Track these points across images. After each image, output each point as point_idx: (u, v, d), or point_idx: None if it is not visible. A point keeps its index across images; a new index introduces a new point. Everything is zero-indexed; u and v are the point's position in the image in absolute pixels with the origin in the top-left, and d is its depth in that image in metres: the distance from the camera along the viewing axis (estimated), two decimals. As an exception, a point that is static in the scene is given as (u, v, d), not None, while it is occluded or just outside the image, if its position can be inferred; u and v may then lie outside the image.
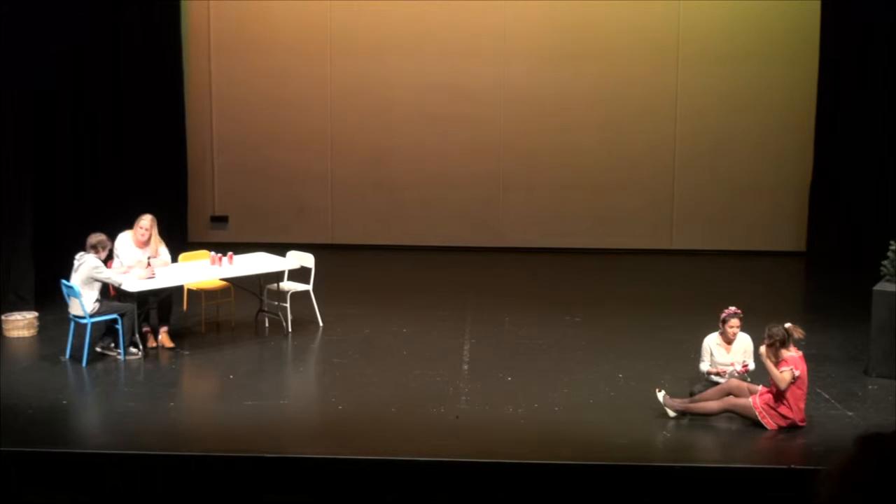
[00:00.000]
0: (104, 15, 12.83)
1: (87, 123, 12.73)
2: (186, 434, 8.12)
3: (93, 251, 9.58)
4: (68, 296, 9.70)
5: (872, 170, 13.54)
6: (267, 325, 10.88)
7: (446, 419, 8.29)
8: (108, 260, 9.96)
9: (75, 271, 9.60)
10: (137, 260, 10.00)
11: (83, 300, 9.51)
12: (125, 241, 10.13)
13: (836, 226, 13.84)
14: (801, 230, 14.44)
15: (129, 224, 10.25)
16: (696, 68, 14.52)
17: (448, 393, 8.89)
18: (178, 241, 12.70)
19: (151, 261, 10.05)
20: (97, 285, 9.63)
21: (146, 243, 10.16)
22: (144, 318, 10.08)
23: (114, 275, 9.77)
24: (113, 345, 9.76)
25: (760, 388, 8.20)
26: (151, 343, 10.08)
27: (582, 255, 14.54)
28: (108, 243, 9.73)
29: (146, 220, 10.15)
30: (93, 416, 8.82)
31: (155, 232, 10.23)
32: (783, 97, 14.51)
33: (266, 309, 10.89)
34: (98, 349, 9.74)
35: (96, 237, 9.65)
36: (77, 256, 9.64)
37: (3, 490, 7.07)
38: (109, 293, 9.94)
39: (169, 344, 10.08)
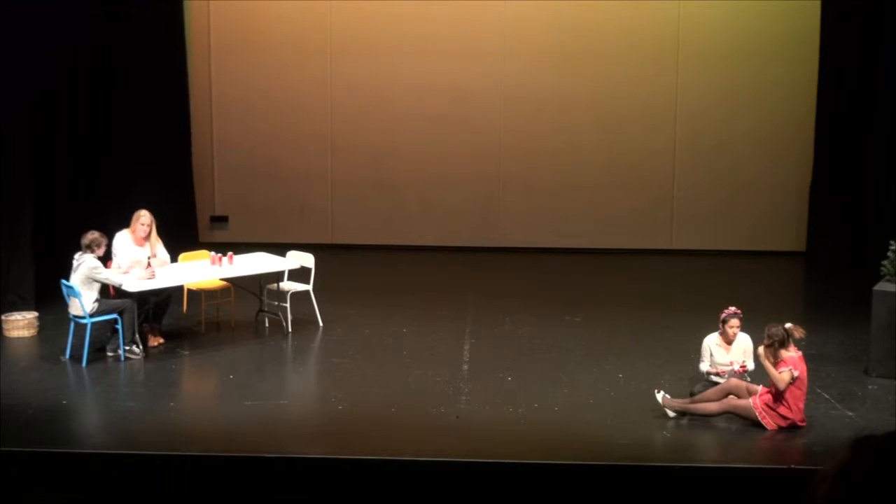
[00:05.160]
0: (106, 15, 12.82)
1: (88, 123, 12.72)
2: (186, 434, 8.12)
3: (88, 251, 9.57)
4: (68, 296, 9.71)
5: (872, 170, 13.53)
6: (267, 325, 10.88)
7: (446, 419, 8.29)
8: (107, 260, 9.97)
9: (74, 271, 9.60)
10: (137, 260, 9.98)
11: (83, 300, 9.51)
12: (124, 241, 10.11)
13: (836, 226, 13.82)
14: (801, 230, 14.43)
15: (128, 225, 10.23)
16: (696, 68, 14.52)
17: (448, 393, 8.89)
18: (184, 241, 12.68)
19: (151, 261, 10.05)
20: (96, 285, 9.63)
21: (146, 239, 10.15)
22: (144, 318, 10.09)
23: (113, 275, 9.77)
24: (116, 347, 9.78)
25: (760, 388, 8.21)
26: (152, 342, 10.10)
27: (582, 255, 14.53)
28: (103, 240, 9.68)
29: (146, 216, 10.13)
30: (93, 416, 8.82)
31: (153, 228, 10.22)
32: (783, 97, 14.50)
33: (266, 309, 10.89)
34: (109, 353, 9.74)
35: (90, 236, 9.63)
36: (76, 256, 9.64)
37: (3, 490, 7.08)
38: (109, 293, 9.94)
39: (158, 341, 10.11)
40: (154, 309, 10.16)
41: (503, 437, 7.98)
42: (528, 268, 14.10)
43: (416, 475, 7.31)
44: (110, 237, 10.01)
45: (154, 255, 10.18)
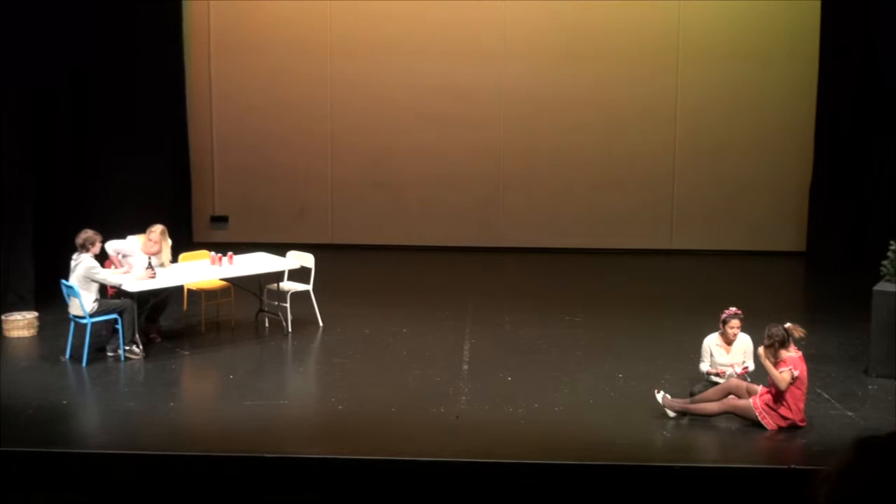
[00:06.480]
0: (106, 15, 12.83)
1: (88, 123, 12.73)
2: (186, 434, 8.13)
3: (83, 250, 9.56)
4: (68, 296, 9.70)
5: (872, 170, 13.54)
6: (267, 325, 10.88)
7: (446, 419, 8.29)
8: (104, 259, 9.98)
9: (72, 272, 9.59)
10: (145, 267, 9.95)
11: (82, 300, 9.50)
12: (135, 246, 10.10)
13: (836, 226, 13.83)
14: (801, 230, 14.43)
15: (128, 225, 10.23)
16: (696, 68, 14.52)
17: (448, 393, 8.89)
18: (181, 240, 12.68)
19: (151, 259, 10.04)
20: (95, 285, 9.63)
21: (156, 254, 10.14)
22: (146, 317, 10.10)
23: (110, 275, 9.75)
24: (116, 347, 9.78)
25: (760, 388, 8.20)
26: (151, 341, 10.11)
27: (582, 255, 14.53)
28: (97, 238, 9.65)
29: (156, 233, 10.10)
30: (93, 416, 8.82)
31: (164, 243, 10.16)
32: (783, 97, 14.50)
33: (266, 309, 10.89)
34: (109, 353, 9.73)
35: (83, 235, 9.62)
36: (74, 257, 9.63)
37: (3, 490, 7.08)
38: (107, 292, 9.93)
39: (157, 340, 10.19)
40: (151, 308, 10.17)
41: (503, 437, 7.98)
42: (528, 268, 14.09)
43: (416, 475, 7.31)
44: (109, 237, 10.01)
45: (163, 265, 10.16)
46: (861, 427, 8.09)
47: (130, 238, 10.19)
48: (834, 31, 13.63)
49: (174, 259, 10.69)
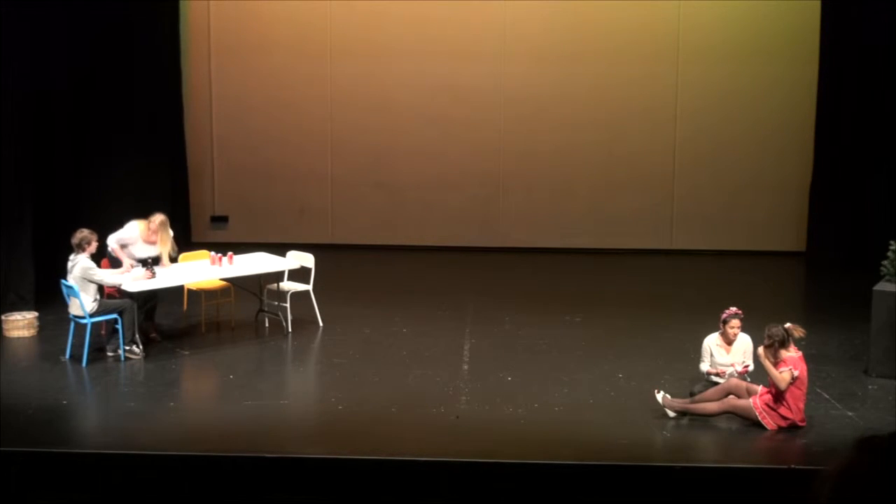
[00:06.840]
0: (104, 16, 12.82)
1: (88, 124, 12.73)
2: (186, 434, 8.13)
3: (80, 250, 9.55)
4: (68, 296, 9.70)
5: (872, 170, 13.54)
6: (267, 325, 10.88)
7: (446, 419, 8.29)
8: (102, 258, 9.97)
9: (70, 272, 9.59)
10: (142, 259, 9.94)
11: (82, 300, 9.50)
12: (135, 233, 10.09)
13: (836, 226, 13.83)
14: (801, 230, 14.44)
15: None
16: (696, 68, 14.52)
17: (448, 393, 8.89)
18: (181, 241, 12.68)
19: (150, 257, 10.05)
20: (93, 285, 9.61)
21: (155, 243, 10.15)
22: (143, 316, 10.11)
23: (108, 276, 9.74)
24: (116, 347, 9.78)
25: (760, 388, 8.21)
26: (154, 338, 10.13)
27: (582, 255, 14.53)
28: (93, 237, 9.63)
29: (155, 223, 10.10)
30: (93, 416, 8.82)
31: (165, 235, 10.14)
32: (783, 97, 14.50)
33: (266, 309, 10.89)
34: (109, 353, 9.72)
35: (79, 234, 9.60)
36: (70, 257, 9.61)
37: (4, 490, 7.07)
38: (104, 292, 9.92)
39: (156, 340, 10.21)
40: (147, 308, 10.18)
41: (503, 437, 7.98)
42: (528, 268, 14.09)
43: (416, 475, 7.31)
44: (107, 236, 10.01)
45: (162, 261, 10.14)
46: (861, 427, 8.10)
47: (131, 223, 10.15)
48: (834, 31, 13.63)
49: (174, 259, 10.68)
